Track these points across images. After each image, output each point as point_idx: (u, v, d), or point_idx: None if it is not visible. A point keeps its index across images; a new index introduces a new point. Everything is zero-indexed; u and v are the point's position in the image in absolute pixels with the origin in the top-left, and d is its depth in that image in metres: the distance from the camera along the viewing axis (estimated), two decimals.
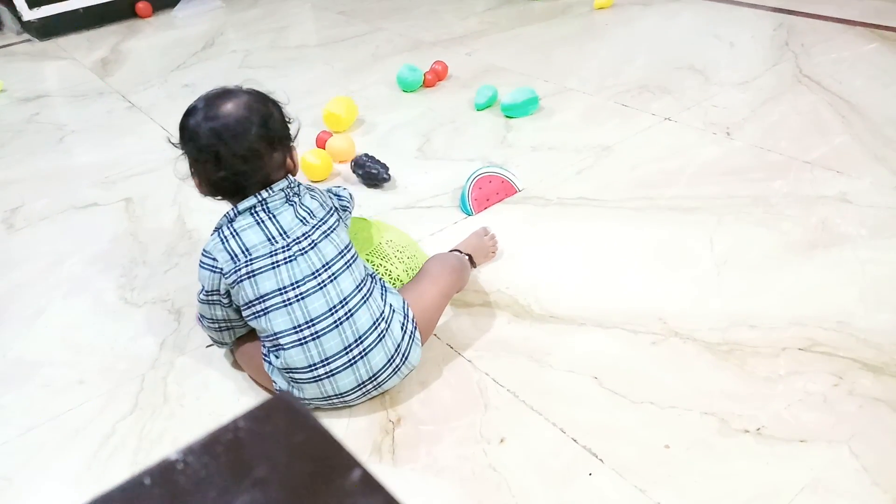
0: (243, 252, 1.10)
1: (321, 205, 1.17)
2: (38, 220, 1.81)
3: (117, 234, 1.72)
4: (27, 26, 3.24)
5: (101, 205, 1.86)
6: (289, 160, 1.16)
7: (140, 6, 3.39)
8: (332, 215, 1.17)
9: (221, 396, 1.24)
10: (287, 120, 1.16)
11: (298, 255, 1.10)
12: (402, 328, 1.16)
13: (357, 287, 1.13)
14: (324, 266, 1.11)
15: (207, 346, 1.34)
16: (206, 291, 1.14)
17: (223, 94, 1.11)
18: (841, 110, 1.95)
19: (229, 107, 1.09)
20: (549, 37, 2.71)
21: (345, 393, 1.13)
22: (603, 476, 1.03)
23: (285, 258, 1.10)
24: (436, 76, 2.36)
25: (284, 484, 0.37)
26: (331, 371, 1.11)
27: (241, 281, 1.10)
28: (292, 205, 1.13)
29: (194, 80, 2.55)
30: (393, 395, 1.20)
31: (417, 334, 1.18)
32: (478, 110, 2.16)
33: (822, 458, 1.03)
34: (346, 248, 1.15)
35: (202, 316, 1.20)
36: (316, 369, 1.11)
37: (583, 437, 1.09)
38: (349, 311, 1.11)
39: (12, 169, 2.09)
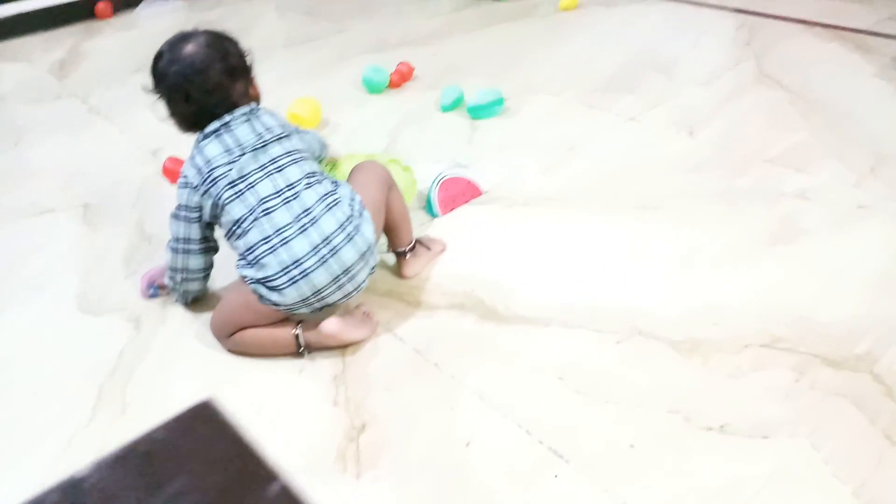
0: (206, 163, 1.24)
1: (280, 124, 1.30)
2: None
3: (75, 241, 1.68)
4: None
5: (59, 210, 1.81)
6: (251, 89, 1.32)
7: (100, 7, 3.32)
8: (287, 131, 1.30)
9: (181, 405, 1.21)
10: (244, 54, 1.31)
11: (257, 171, 1.23)
12: (368, 225, 1.27)
13: (320, 198, 1.24)
14: (287, 185, 1.23)
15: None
16: (178, 206, 1.28)
17: (183, 37, 1.25)
18: (800, 108, 1.98)
19: (190, 48, 1.23)
20: (514, 37, 2.71)
21: (321, 290, 1.22)
22: (568, 476, 1.03)
23: (246, 174, 1.23)
24: (401, 77, 2.35)
25: (201, 498, 0.36)
26: (303, 271, 1.20)
27: (208, 189, 1.23)
28: (250, 122, 1.26)
29: None
30: (357, 402, 1.18)
31: (366, 212, 1.28)
32: (443, 111, 2.15)
33: (784, 452, 1.04)
34: (300, 154, 1.28)
35: (170, 239, 1.32)
36: (288, 271, 1.20)
37: (548, 438, 1.09)
38: (313, 218, 1.22)
39: None
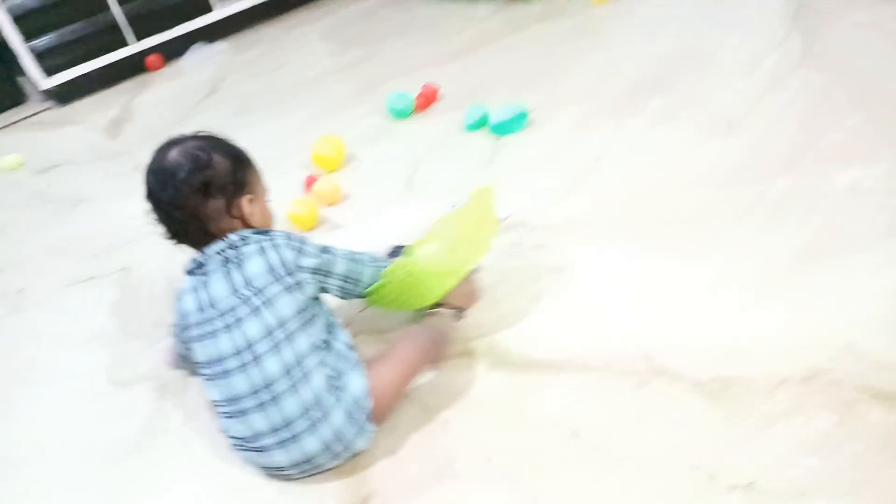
0: (182, 316, 1.15)
1: (270, 269, 1.10)
2: (41, 300, 1.83)
3: (112, 308, 1.72)
4: (48, 94, 3.33)
5: (99, 277, 1.87)
6: (241, 209, 1.16)
7: (149, 60, 3.44)
8: (278, 283, 1.10)
9: (197, 480, 1.21)
10: (238, 167, 1.17)
11: (221, 331, 1.08)
12: (349, 418, 1.09)
13: (286, 371, 1.07)
14: (247, 346, 1.07)
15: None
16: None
17: (173, 142, 1.15)
18: (852, 89, 1.79)
19: (170, 153, 1.13)
20: (544, 41, 2.60)
21: (282, 468, 1.11)
22: None
23: (210, 332, 1.09)
24: (426, 100, 2.30)
25: None
26: (261, 447, 1.09)
27: (187, 343, 1.15)
28: (227, 271, 1.11)
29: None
30: (362, 468, 1.14)
31: (369, 426, 1.12)
32: (468, 131, 2.09)
33: None
34: (279, 324, 1.08)
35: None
36: (248, 442, 1.10)
37: None
38: (274, 395, 1.06)
39: (24, 245, 2.14)
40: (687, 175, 1.64)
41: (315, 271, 1.16)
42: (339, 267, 1.19)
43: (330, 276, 1.18)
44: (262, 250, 1.12)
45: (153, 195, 1.13)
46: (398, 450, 1.16)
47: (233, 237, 1.13)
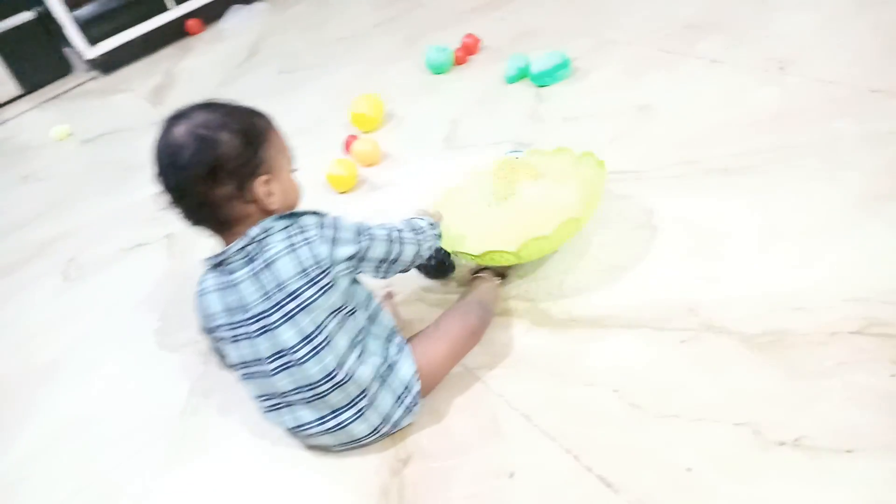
0: (207, 317, 1.07)
1: (303, 271, 0.99)
2: (92, 269, 1.89)
3: (159, 275, 1.76)
4: (92, 63, 3.38)
5: (148, 243, 1.91)
6: (255, 192, 1.00)
7: (189, 24, 3.45)
8: (313, 286, 0.99)
9: (243, 445, 1.23)
10: (251, 145, 1.00)
11: (256, 335, 1.02)
12: (397, 400, 1.08)
13: (328, 375, 1.02)
14: (287, 350, 1.01)
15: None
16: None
17: (180, 114, 1.00)
18: None
19: (175, 131, 0.98)
20: None
21: (329, 447, 1.11)
22: None
23: (245, 334, 1.03)
24: (466, 51, 2.24)
25: None
26: (309, 434, 1.09)
27: (214, 340, 1.10)
28: (254, 272, 1.00)
29: (236, 96, 2.56)
30: (403, 429, 1.15)
31: (416, 407, 1.11)
32: (509, 83, 2.03)
33: (871, 471, 0.88)
34: (317, 329, 1.00)
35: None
36: (296, 431, 1.10)
37: (598, 465, 0.99)
38: (318, 394, 1.04)
39: (75, 214, 2.19)
40: (741, 118, 1.56)
41: (350, 258, 1.04)
42: (376, 250, 1.08)
43: (365, 261, 1.07)
44: (293, 248, 1.00)
45: (158, 177, 1.00)
46: (440, 410, 1.16)
47: (254, 231, 1.00)
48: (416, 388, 1.09)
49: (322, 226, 1.03)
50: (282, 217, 1.03)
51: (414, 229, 1.17)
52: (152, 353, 1.51)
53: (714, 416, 1.00)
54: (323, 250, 1.01)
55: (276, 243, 1.00)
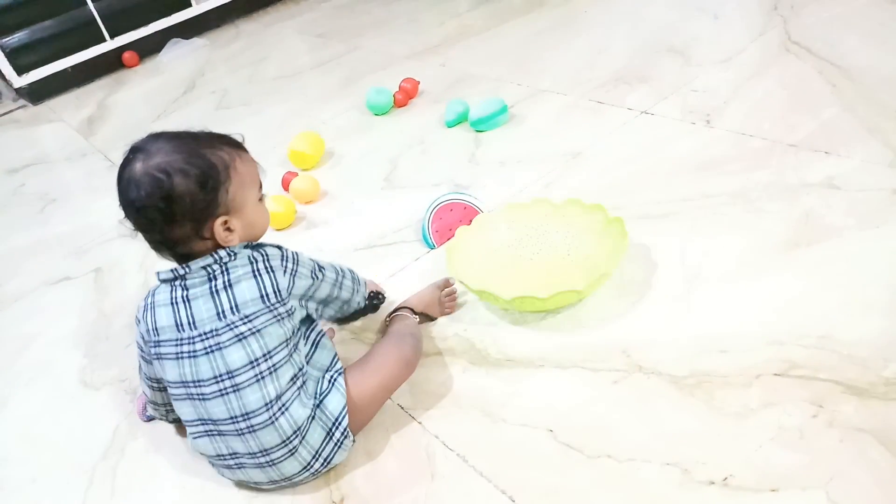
0: (153, 330, 1.04)
1: (262, 297, 1.01)
2: (11, 302, 1.80)
3: (84, 309, 1.69)
4: (20, 92, 3.28)
5: (73, 277, 1.84)
6: (215, 233, 1.00)
7: (126, 56, 3.39)
8: (269, 313, 1.01)
9: (167, 484, 1.19)
10: (207, 187, 0.97)
11: (202, 354, 1.01)
12: (327, 434, 1.06)
13: (266, 405, 1.00)
14: (227, 374, 1.00)
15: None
16: (137, 341, 1.11)
17: (138, 148, 0.98)
18: (832, 78, 1.79)
19: (133, 167, 0.97)
20: (525, 33, 2.59)
21: (259, 483, 1.09)
22: None
23: (189, 352, 1.02)
24: (406, 95, 2.27)
25: None
26: (240, 464, 1.06)
27: (153, 358, 1.06)
28: (213, 290, 1.01)
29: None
30: (338, 469, 1.13)
31: (347, 441, 1.09)
32: (448, 127, 2.07)
33: None
34: (264, 356, 1.00)
35: (140, 372, 1.16)
36: (226, 460, 1.06)
37: None
38: (251, 426, 1.01)
39: None
40: (666, 165, 1.64)
41: (304, 294, 1.08)
42: (323, 291, 1.13)
43: (311, 300, 1.11)
44: (256, 273, 1.02)
45: (121, 208, 1.01)
46: (375, 451, 1.14)
47: (221, 252, 1.02)
48: (345, 422, 1.07)
49: (284, 258, 1.06)
50: (249, 245, 1.06)
51: (354, 279, 1.22)
52: (72, 391, 1.45)
53: (644, 457, 1.03)
54: (284, 281, 1.04)
55: (241, 267, 1.02)
